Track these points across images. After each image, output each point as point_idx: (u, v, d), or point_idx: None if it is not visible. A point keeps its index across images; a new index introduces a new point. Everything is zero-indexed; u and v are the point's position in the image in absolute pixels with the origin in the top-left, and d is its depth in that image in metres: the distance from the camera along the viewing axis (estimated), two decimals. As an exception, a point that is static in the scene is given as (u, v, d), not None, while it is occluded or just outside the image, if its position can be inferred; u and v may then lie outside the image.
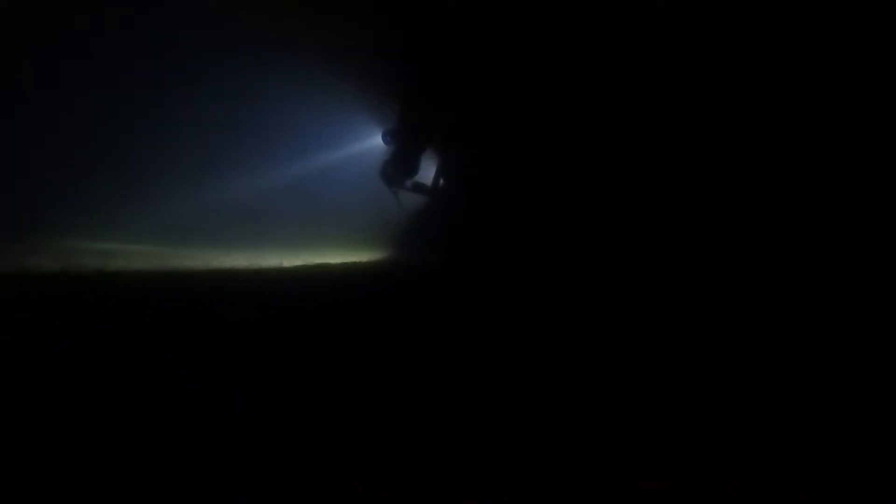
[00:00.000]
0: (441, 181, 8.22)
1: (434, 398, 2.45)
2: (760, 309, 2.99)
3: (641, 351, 2.88)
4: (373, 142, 8.43)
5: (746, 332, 2.86)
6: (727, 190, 3.76)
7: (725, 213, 3.73)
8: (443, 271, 6.33)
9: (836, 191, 3.29)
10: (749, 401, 2.33)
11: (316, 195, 8.78)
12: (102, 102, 7.64)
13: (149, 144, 8.16)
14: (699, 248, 3.62)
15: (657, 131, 4.15)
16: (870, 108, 3.26)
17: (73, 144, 7.64)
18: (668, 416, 2.26)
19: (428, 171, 8.19)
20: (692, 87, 3.98)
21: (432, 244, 7.80)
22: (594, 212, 4.49)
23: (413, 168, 7.64)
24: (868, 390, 2.34)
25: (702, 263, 3.44)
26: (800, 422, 2.17)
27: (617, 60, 4.36)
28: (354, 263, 7.38)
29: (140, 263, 5.56)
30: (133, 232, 7.78)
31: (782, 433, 2.09)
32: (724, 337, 2.88)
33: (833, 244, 3.15)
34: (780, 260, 3.27)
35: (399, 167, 7.58)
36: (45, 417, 2.08)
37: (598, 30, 4.62)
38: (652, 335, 2.99)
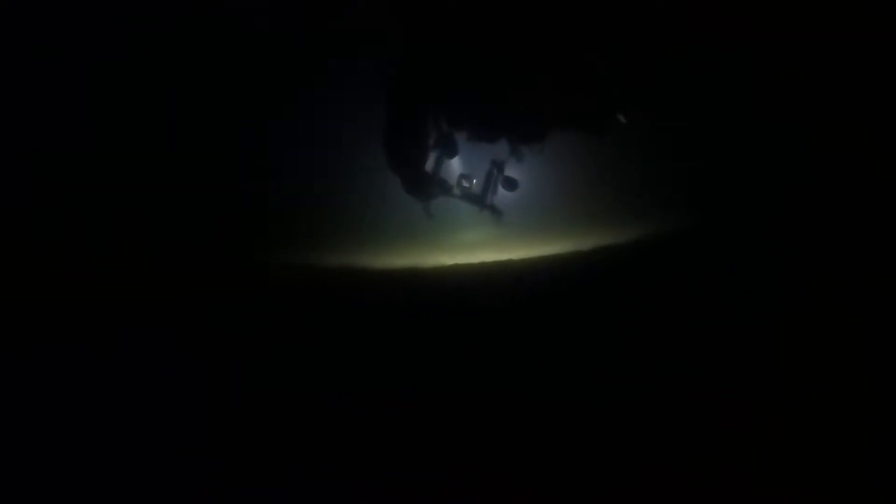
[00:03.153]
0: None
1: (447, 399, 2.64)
2: (762, 316, 2.95)
3: (643, 358, 2.89)
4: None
5: (747, 339, 2.84)
6: (729, 193, 3.74)
7: (727, 216, 3.69)
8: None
9: (838, 194, 3.24)
10: (750, 409, 2.35)
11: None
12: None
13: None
14: (701, 253, 3.51)
15: (657, 131, 4.07)
16: (870, 108, 3.23)
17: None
18: (670, 423, 2.33)
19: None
20: (692, 87, 3.87)
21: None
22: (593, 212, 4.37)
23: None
24: (868, 397, 2.34)
25: (703, 269, 3.34)
26: (800, 429, 2.19)
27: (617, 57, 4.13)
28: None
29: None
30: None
31: (783, 441, 2.13)
32: (725, 344, 2.86)
33: (835, 250, 3.08)
34: (782, 266, 3.20)
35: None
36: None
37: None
38: (653, 342, 2.99)
